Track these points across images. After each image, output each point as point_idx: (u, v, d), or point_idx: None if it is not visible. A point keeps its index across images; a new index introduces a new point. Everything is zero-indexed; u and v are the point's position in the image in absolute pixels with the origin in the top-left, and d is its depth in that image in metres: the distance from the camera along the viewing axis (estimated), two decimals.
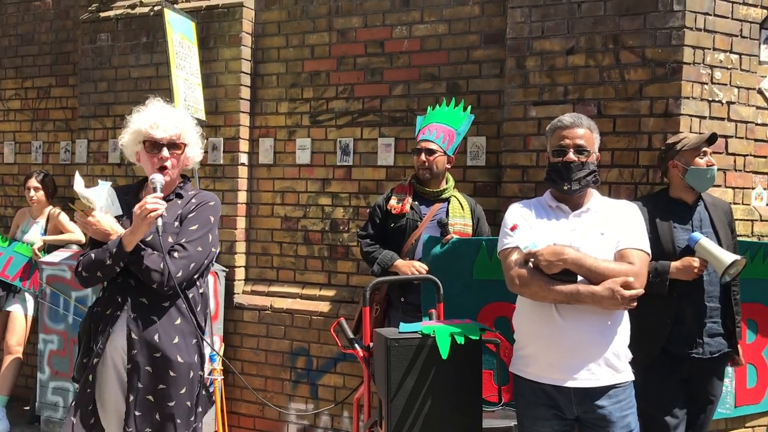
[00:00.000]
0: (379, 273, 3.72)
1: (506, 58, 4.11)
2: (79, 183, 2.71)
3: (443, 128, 3.81)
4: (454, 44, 4.39)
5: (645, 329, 2.92)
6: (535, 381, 2.62)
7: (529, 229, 2.67)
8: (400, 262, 3.70)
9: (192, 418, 2.74)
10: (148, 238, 2.60)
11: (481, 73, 4.32)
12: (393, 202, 3.82)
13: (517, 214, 2.75)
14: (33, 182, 5.30)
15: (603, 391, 2.53)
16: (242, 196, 4.96)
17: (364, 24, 4.63)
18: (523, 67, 4.02)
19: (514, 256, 2.63)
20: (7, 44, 6.02)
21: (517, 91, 4.03)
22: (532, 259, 2.57)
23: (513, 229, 2.68)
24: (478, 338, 2.76)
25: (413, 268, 3.62)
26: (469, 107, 3.97)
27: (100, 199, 2.67)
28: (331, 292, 4.70)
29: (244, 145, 4.95)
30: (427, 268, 3.60)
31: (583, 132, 2.70)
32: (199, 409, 2.80)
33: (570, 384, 2.54)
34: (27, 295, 5.24)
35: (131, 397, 2.60)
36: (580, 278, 2.52)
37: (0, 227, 5.80)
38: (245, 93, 4.94)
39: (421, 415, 2.73)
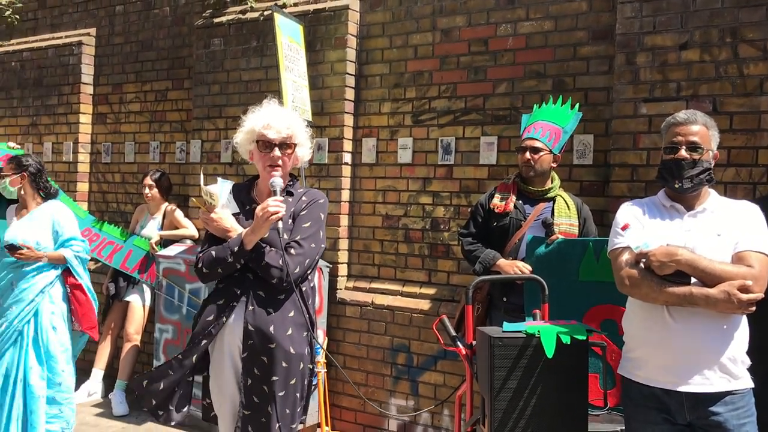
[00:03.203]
0: (480, 272, 3.71)
1: (615, 55, 4.00)
2: (203, 179, 2.86)
3: (549, 126, 3.76)
4: (560, 41, 4.32)
5: (766, 336, 2.77)
6: (645, 384, 2.55)
7: (641, 229, 2.60)
8: (502, 262, 3.67)
9: (299, 409, 2.84)
10: (266, 236, 2.71)
11: (588, 69, 4.23)
12: (496, 200, 3.80)
13: (628, 213, 2.68)
14: (148, 180, 5.61)
15: (718, 397, 2.43)
16: (345, 195, 5.07)
17: (468, 23, 4.64)
18: (634, 63, 3.90)
19: (625, 257, 2.57)
20: (129, 50, 6.40)
21: (627, 88, 3.91)
22: (644, 260, 2.50)
23: (624, 228, 2.62)
24: (584, 339, 2.70)
25: (516, 267, 3.59)
26: (577, 105, 3.90)
27: (222, 196, 2.80)
28: (431, 291, 4.72)
29: (347, 145, 5.06)
30: (530, 268, 3.56)
31: (698, 129, 2.61)
32: (304, 402, 2.89)
33: (682, 388, 2.45)
34: (144, 286, 5.57)
35: (247, 384, 2.72)
36: (694, 280, 2.43)
37: (121, 222, 6.16)
38: (350, 94, 5.04)
39: (525, 415, 2.70)
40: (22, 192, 4.22)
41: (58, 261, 4.12)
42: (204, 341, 2.76)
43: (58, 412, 4.11)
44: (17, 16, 7.09)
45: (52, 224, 4.16)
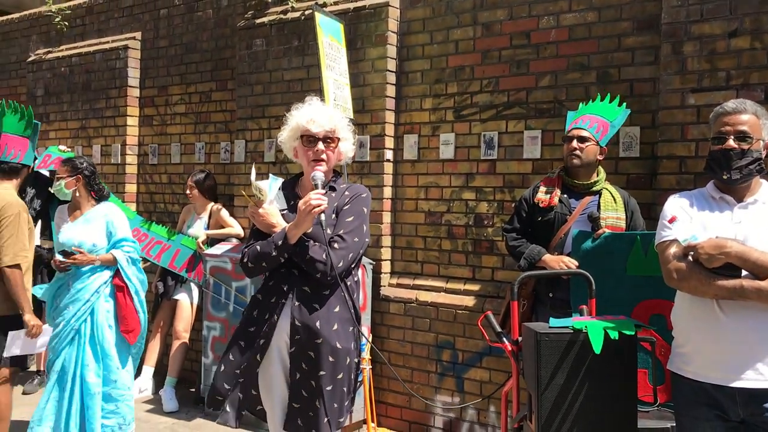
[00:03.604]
0: (525, 268, 3.68)
1: (661, 45, 3.92)
2: (254, 174, 2.89)
3: (597, 119, 3.71)
4: (604, 32, 4.25)
5: None
6: (695, 380, 2.50)
7: (689, 221, 2.55)
8: (548, 257, 3.64)
9: (346, 404, 2.86)
10: (309, 230, 2.74)
11: (633, 60, 4.15)
12: (540, 194, 3.76)
13: (676, 205, 2.63)
14: (189, 181, 5.72)
15: None
16: (387, 192, 5.07)
17: (509, 16, 4.60)
18: (680, 52, 3.82)
19: (673, 250, 2.52)
20: (173, 53, 6.51)
21: (674, 78, 3.83)
22: (692, 253, 2.45)
23: (671, 221, 2.57)
24: (633, 334, 2.66)
25: (563, 262, 3.55)
26: (624, 103, 3.83)
27: (271, 192, 2.84)
28: (475, 287, 4.70)
29: (389, 142, 5.06)
30: (576, 263, 3.52)
31: (747, 118, 2.54)
32: (352, 395, 2.92)
33: (735, 384, 2.39)
34: (192, 284, 5.66)
35: (295, 379, 2.76)
36: (744, 273, 2.37)
37: (168, 222, 6.28)
38: (391, 91, 5.05)
39: (573, 411, 2.68)
40: (77, 194, 4.34)
41: (110, 263, 4.23)
42: (263, 341, 2.81)
43: (115, 408, 4.22)
44: (66, 23, 7.29)
45: (106, 225, 4.27)
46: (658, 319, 3.22)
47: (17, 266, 3.92)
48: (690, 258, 2.46)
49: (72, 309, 4.14)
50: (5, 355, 3.95)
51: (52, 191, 4.54)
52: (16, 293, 3.91)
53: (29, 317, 3.95)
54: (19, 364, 4.18)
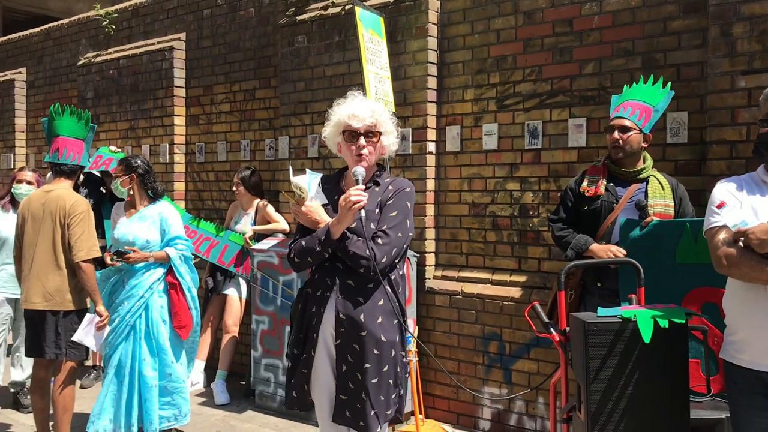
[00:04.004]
0: (572, 258, 3.64)
1: (709, 27, 3.82)
2: (291, 173, 2.94)
3: (639, 105, 3.63)
4: (649, 16, 4.17)
5: None
6: (749, 368, 2.44)
7: (738, 206, 2.49)
8: (595, 246, 3.59)
9: (393, 396, 2.88)
10: (353, 225, 2.77)
11: (680, 44, 4.06)
12: (586, 184, 3.71)
13: (725, 190, 2.57)
14: (235, 178, 5.81)
15: None
16: (431, 184, 5.07)
17: (551, 3, 4.54)
18: (729, 34, 3.72)
19: (722, 235, 2.47)
20: (217, 53, 6.61)
21: (723, 61, 3.74)
22: (742, 238, 2.39)
23: (720, 206, 2.52)
24: (683, 322, 2.61)
25: (610, 251, 3.50)
26: (668, 84, 3.75)
27: (312, 188, 2.88)
28: (522, 278, 4.67)
29: (431, 134, 5.05)
30: (624, 252, 3.46)
31: None
32: (401, 391, 2.93)
33: None
34: (240, 279, 5.76)
35: (342, 371, 2.80)
36: None
37: (216, 219, 6.39)
38: (432, 83, 5.04)
39: (622, 401, 2.65)
40: (131, 192, 4.47)
41: (163, 260, 4.35)
42: (315, 334, 2.86)
43: (170, 399, 4.38)
44: (113, 26, 7.47)
45: (160, 223, 4.39)
46: (711, 307, 3.15)
47: (90, 260, 4.09)
48: (740, 244, 2.41)
49: (127, 305, 4.27)
50: (74, 338, 4.11)
51: (103, 191, 4.67)
52: (90, 286, 4.10)
53: (102, 308, 4.13)
54: (81, 357, 4.34)
